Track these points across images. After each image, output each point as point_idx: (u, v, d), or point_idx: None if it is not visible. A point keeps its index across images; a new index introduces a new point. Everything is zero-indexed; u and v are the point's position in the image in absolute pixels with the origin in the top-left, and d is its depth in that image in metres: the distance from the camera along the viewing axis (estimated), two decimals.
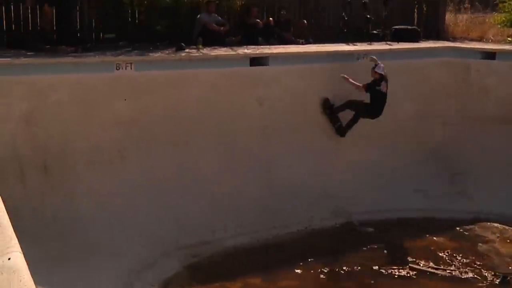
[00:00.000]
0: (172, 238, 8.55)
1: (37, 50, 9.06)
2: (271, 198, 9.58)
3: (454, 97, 11.35)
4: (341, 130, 10.33)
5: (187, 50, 9.79)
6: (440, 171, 10.85)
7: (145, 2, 10.90)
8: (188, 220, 8.78)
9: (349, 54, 10.92)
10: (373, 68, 9.75)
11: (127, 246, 8.12)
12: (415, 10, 14.21)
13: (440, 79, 11.37)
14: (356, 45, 11.59)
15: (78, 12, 10.24)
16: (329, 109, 10.29)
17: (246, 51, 10.28)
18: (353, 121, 10.18)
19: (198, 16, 11.18)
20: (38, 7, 9.81)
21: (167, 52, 9.74)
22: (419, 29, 13.04)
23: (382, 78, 9.71)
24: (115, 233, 8.23)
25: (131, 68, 8.90)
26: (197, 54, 9.68)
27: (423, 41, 12.71)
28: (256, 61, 9.90)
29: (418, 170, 10.72)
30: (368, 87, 9.74)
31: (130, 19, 11.15)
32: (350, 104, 10.09)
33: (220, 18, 11.42)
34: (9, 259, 2.61)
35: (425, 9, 14.11)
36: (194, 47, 10.11)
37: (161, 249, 8.30)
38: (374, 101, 9.82)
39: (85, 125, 8.58)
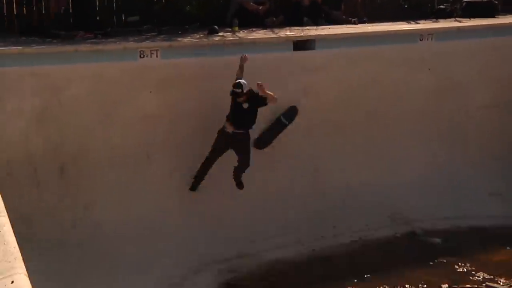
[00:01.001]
0: (206, 250, 8.63)
1: (51, 37, 9.18)
2: (319, 204, 9.56)
3: None
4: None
5: (220, 34, 9.78)
6: None
7: None
8: (224, 229, 8.84)
9: (411, 34, 10.72)
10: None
11: (154, 258, 8.22)
12: None
13: None
14: (419, 23, 11.40)
15: None
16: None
17: (288, 33, 10.19)
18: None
19: None
20: None
21: (198, 36, 9.74)
22: (496, 1, 12.67)
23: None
24: (141, 244, 8.36)
25: (157, 56, 8.93)
26: (232, 38, 9.67)
27: (501, 16, 12.35)
28: (300, 45, 9.83)
29: (494, 170, 10.53)
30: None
31: None
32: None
33: None
34: (12, 282, 2.61)
35: None
36: (229, 30, 10.10)
37: (193, 263, 8.39)
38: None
39: (106, 122, 8.67)
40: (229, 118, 8.70)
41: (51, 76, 8.32)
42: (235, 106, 8.63)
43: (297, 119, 9.77)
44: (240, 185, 8.91)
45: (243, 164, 8.76)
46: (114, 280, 7.78)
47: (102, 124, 8.66)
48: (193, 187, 8.97)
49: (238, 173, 8.84)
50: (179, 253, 8.45)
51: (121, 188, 8.68)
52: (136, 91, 8.86)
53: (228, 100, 8.75)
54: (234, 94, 8.50)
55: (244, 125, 8.68)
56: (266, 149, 9.56)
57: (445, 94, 10.72)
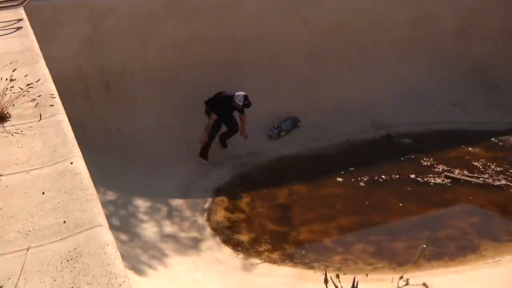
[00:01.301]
0: (222, 150, 8.82)
1: None
2: (315, 114, 9.63)
3: (498, 11, 10.86)
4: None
5: None
6: (478, 85, 10.58)
7: None
8: (237, 134, 8.92)
9: None
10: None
11: (182, 157, 8.41)
12: None
13: None
14: None
15: None
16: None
17: None
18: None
19: None
20: None
21: None
22: None
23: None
24: (171, 145, 8.51)
25: None
26: None
27: None
28: None
29: (455, 84, 10.49)
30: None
31: None
32: None
33: None
34: (71, 163, 2.80)
35: None
36: None
37: (213, 159, 8.57)
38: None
39: (142, 47, 8.73)
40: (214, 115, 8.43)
41: (97, 8, 8.33)
42: (230, 107, 8.43)
43: (298, 46, 9.78)
44: (224, 145, 8.82)
45: (231, 132, 8.67)
46: (150, 175, 7.97)
47: (139, 49, 8.70)
48: (201, 153, 8.57)
49: (226, 137, 8.77)
50: None
51: (154, 101, 8.80)
52: (166, 21, 8.85)
53: (246, 29, 8.73)
54: (247, 106, 8.32)
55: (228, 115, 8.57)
56: (273, 70, 9.59)
57: (419, 22, 10.58)
